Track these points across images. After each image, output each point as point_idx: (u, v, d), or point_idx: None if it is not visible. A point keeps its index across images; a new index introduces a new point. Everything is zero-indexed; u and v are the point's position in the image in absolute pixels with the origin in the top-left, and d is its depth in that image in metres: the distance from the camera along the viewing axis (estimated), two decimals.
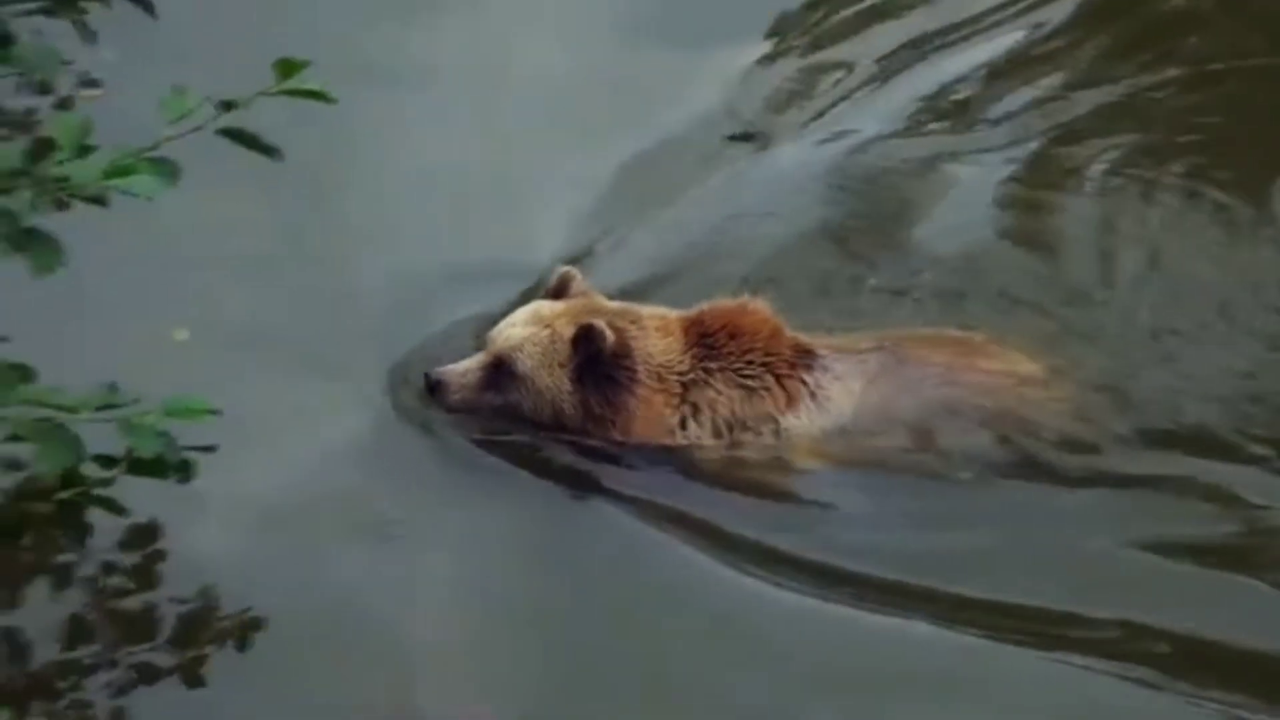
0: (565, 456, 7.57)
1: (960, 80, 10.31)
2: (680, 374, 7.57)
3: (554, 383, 7.47)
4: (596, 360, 7.44)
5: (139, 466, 5.53)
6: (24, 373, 5.31)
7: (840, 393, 7.60)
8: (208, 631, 6.83)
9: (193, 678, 6.67)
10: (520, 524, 7.35)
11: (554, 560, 7.24)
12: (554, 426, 7.56)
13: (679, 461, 7.57)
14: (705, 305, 7.68)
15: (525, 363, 7.46)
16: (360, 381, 7.89)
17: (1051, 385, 7.80)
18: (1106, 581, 7.20)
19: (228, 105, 5.21)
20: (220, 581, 6.93)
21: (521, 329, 7.49)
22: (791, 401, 7.56)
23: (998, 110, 9.97)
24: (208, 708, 6.56)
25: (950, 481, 7.60)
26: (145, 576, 6.97)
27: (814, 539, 7.33)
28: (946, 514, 7.53)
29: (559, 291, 7.65)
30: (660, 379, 7.55)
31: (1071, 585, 7.12)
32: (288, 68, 5.20)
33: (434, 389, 7.36)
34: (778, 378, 7.58)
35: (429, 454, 7.65)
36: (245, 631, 6.78)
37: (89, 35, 6.18)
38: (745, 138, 9.69)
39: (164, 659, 6.71)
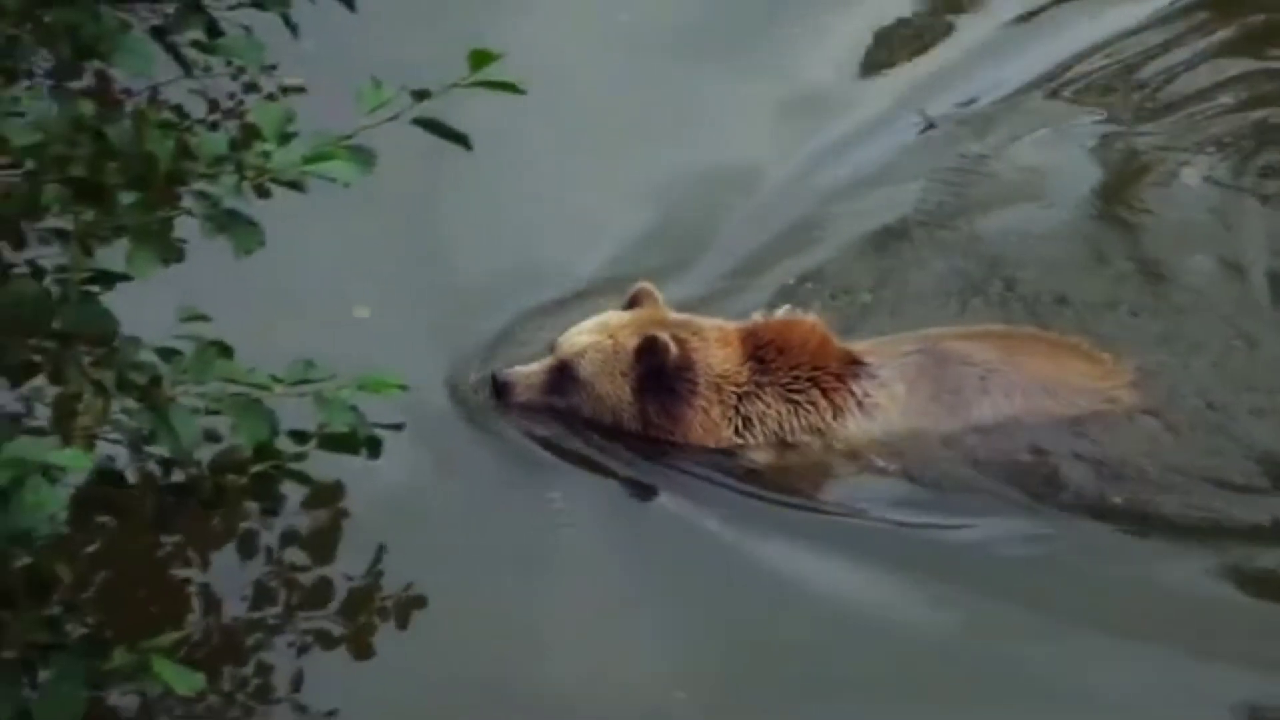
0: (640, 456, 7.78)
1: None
2: (736, 385, 7.74)
3: (614, 390, 7.69)
4: (658, 372, 7.62)
5: (331, 441, 5.69)
6: (223, 350, 5.51)
7: (886, 399, 7.70)
8: (374, 603, 7.06)
9: (363, 647, 6.88)
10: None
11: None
12: (613, 429, 7.75)
13: (735, 466, 7.73)
14: (759, 319, 7.84)
15: (587, 368, 7.69)
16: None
17: (1105, 383, 7.84)
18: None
19: (421, 95, 5.31)
20: (386, 556, 7.18)
21: (586, 336, 7.73)
22: (838, 412, 7.69)
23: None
24: (376, 675, 6.85)
25: (994, 483, 7.69)
26: (321, 547, 7.20)
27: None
28: (988, 512, 7.64)
29: (632, 304, 7.83)
30: (718, 390, 7.73)
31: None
32: (480, 59, 5.30)
33: (500, 390, 7.54)
34: (824, 391, 7.73)
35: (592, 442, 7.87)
36: (408, 608, 6.98)
37: (293, 28, 6.39)
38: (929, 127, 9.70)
39: (336, 627, 6.94)
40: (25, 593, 5.46)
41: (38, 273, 5.58)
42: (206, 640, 6.87)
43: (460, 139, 5.41)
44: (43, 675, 5.40)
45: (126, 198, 5.19)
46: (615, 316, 7.90)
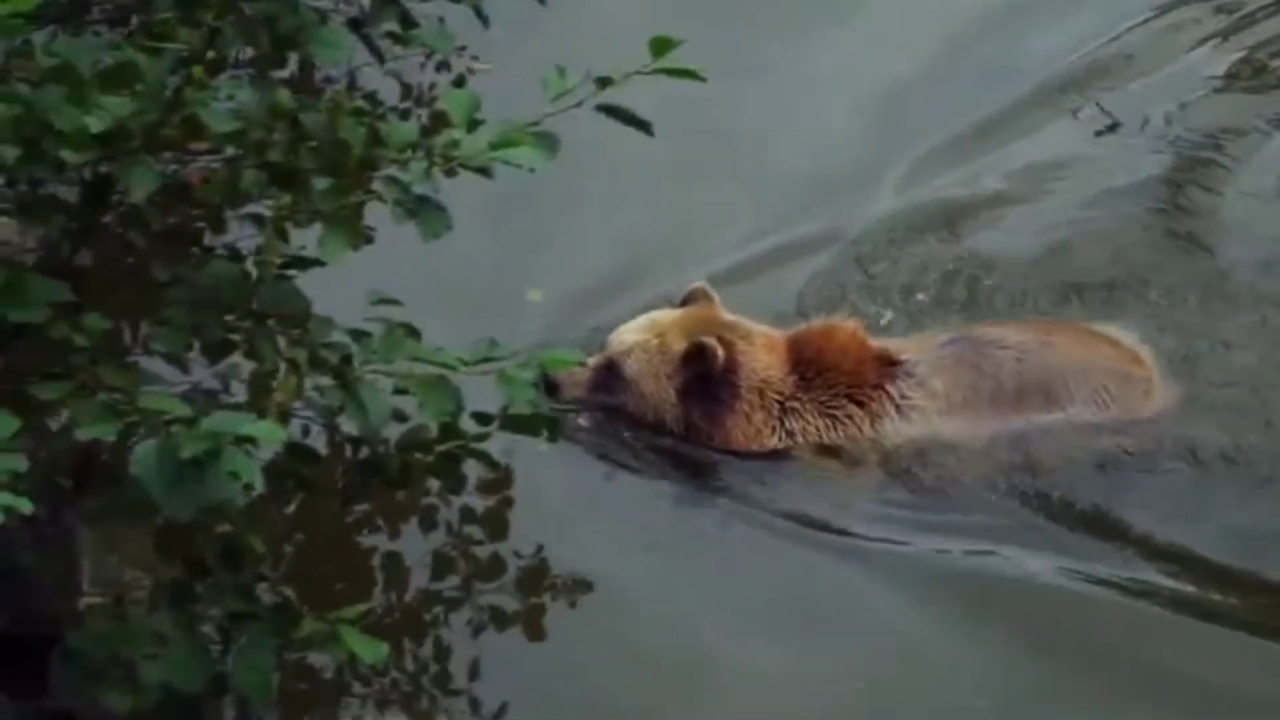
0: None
1: None
2: (780, 394, 7.70)
3: (658, 390, 7.66)
4: (703, 377, 7.59)
5: (513, 422, 5.80)
6: (411, 332, 5.65)
7: (924, 398, 7.66)
8: (546, 583, 7.18)
9: (535, 627, 7.01)
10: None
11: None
12: (656, 429, 7.72)
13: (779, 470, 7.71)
14: (803, 327, 7.80)
15: (632, 367, 7.64)
16: None
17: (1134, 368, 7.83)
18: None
19: (604, 82, 5.39)
20: (556, 539, 7.31)
21: (634, 335, 7.69)
22: (876, 419, 7.65)
23: None
24: (547, 655, 6.97)
25: (1037, 471, 7.64)
26: (499, 526, 7.35)
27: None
28: (1031, 506, 7.57)
29: (686, 303, 7.80)
30: (761, 395, 7.71)
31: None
32: (662, 46, 5.37)
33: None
34: (861, 403, 7.69)
35: None
36: (576, 591, 7.09)
37: (484, 19, 6.54)
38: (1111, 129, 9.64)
39: (511, 604, 7.06)
40: (220, 562, 5.66)
41: (236, 255, 5.78)
42: (390, 613, 7.05)
43: (642, 125, 5.49)
44: (237, 643, 5.55)
45: (320, 183, 5.34)
46: (665, 315, 7.85)
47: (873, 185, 9.30)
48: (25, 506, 4.34)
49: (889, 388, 7.75)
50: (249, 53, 5.64)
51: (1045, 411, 7.70)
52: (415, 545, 7.28)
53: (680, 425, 7.73)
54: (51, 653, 5.79)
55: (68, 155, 4.98)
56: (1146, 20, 10.39)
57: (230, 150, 5.35)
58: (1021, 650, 6.96)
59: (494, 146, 5.31)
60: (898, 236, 8.86)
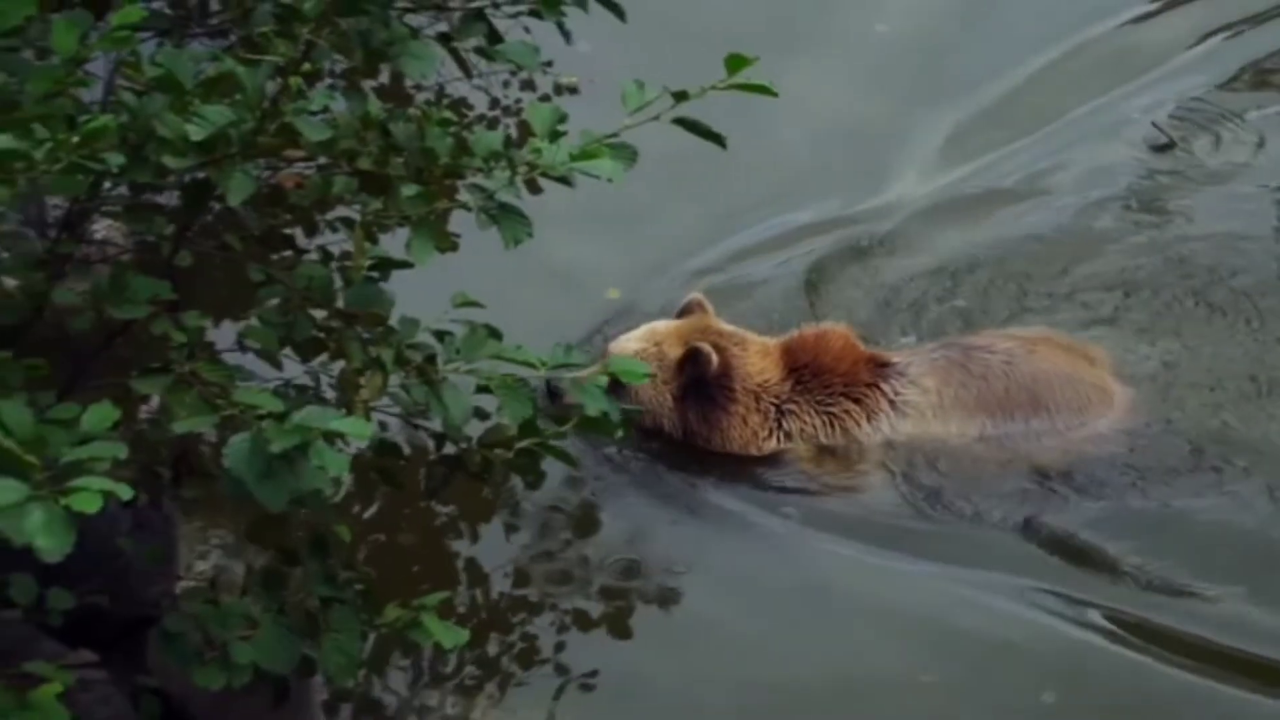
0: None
1: None
2: (776, 398, 7.81)
3: (657, 396, 7.74)
4: (700, 381, 7.69)
5: (587, 423, 5.90)
6: (494, 333, 5.78)
7: (917, 394, 7.75)
8: (632, 588, 7.28)
9: (620, 628, 7.13)
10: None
11: None
12: (655, 434, 7.82)
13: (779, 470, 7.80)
14: (795, 333, 7.89)
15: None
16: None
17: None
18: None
19: (680, 96, 5.48)
20: (644, 542, 7.49)
21: (633, 344, 7.76)
22: (871, 415, 7.73)
23: None
24: (631, 660, 7.08)
25: (1033, 462, 7.76)
26: (582, 521, 7.47)
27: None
28: (1034, 496, 7.70)
29: (683, 314, 7.88)
30: (757, 399, 7.81)
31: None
32: (736, 63, 5.45)
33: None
34: (857, 400, 7.78)
35: None
36: (667, 600, 7.22)
37: (566, 35, 6.65)
38: (1167, 146, 9.64)
39: (595, 607, 7.18)
40: (309, 550, 5.79)
41: (326, 257, 5.93)
42: (471, 602, 7.18)
43: (716, 138, 5.58)
44: (324, 627, 5.67)
45: (408, 190, 5.45)
46: (663, 325, 7.96)
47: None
48: (125, 492, 4.41)
49: (883, 386, 7.91)
50: (342, 64, 5.76)
51: (1031, 414, 7.86)
52: (497, 537, 7.45)
53: (679, 430, 7.86)
54: (149, 633, 5.97)
55: (169, 161, 5.08)
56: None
57: (322, 157, 5.47)
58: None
59: (574, 158, 5.40)
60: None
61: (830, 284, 8.76)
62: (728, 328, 8.00)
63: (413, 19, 6.15)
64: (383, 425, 6.32)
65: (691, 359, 7.76)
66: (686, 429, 7.87)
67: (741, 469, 7.86)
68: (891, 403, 7.89)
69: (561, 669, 6.97)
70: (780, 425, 7.90)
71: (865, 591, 7.37)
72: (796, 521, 7.68)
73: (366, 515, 7.26)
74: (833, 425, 7.89)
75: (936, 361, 7.96)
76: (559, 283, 8.48)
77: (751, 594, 7.38)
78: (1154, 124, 9.69)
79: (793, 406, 7.88)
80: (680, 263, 8.87)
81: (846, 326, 8.08)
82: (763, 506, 7.75)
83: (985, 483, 7.74)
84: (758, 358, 7.92)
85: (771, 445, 7.88)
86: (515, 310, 6.45)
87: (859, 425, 7.87)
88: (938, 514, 7.64)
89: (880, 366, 7.96)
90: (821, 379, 7.91)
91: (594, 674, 6.94)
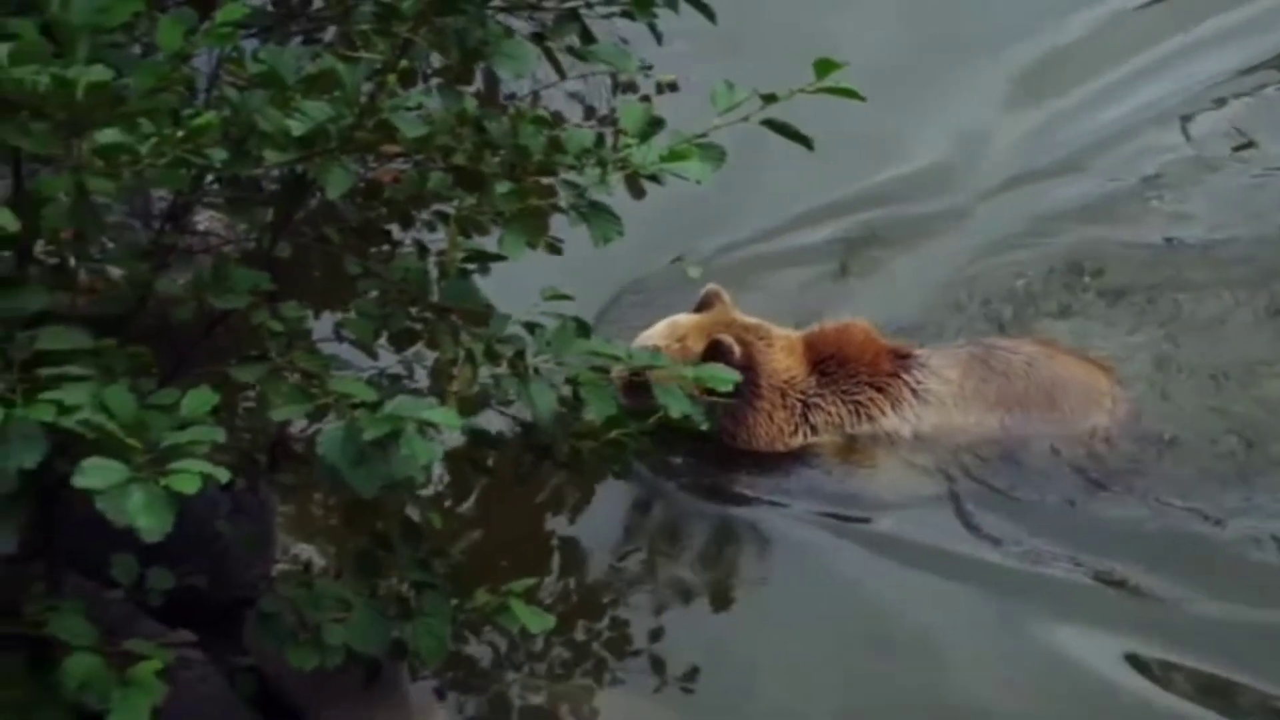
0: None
1: None
2: (802, 393, 7.74)
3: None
4: None
5: (670, 420, 5.94)
6: (581, 327, 5.81)
7: (939, 384, 7.73)
8: (721, 570, 7.33)
9: (721, 598, 7.16)
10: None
11: None
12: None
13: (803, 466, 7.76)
14: (816, 326, 7.83)
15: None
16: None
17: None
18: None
19: (769, 99, 5.46)
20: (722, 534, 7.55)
21: (657, 340, 7.62)
22: (895, 403, 7.68)
23: None
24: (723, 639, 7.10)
25: (1045, 456, 7.74)
26: (668, 514, 7.58)
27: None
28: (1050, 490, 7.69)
29: (702, 307, 7.79)
30: (783, 395, 7.74)
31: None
32: (825, 67, 5.42)
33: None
34: (880, 389, 7.73)
35: None
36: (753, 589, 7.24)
37: (658, 36, 6.66)
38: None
39: (679, 594, 7.25)
40: (401, 536, 5.86)
41: (422, 251, 5.98)
42: (563, 588, 7.22)
43: (804, 140, 5.55)
44: (415, 610, 5.75)
45: (501, 186, 5.47)
46: (685, 319, 7.88)
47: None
48: (222, 475, 4.45)
49: (905, 376, 7.88)
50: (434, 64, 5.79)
51: (1048, 414, 7.83)
52: (584, 525, 7.49)
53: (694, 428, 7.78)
54: (246, 614, 6.04)
55: (270, 155, 5.11)
56: None
57: (419, 153, 5.49)
58: None
59: (664, 158, 5.39)
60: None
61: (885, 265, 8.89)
62: (750, 320, 7.95)
63: (508, 20, 6.14)
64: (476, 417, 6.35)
65: (714, 352, 7.59)
66: (713, 425, 7.77)
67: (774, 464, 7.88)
68: (914, 392, 7.88)
69: (646, 654, 7.00)
70: (806, 419, 7.87)
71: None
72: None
73: (458, 502, 7.30)
74: (858, 414, 7.87)
75: (959, 355, 7.97)
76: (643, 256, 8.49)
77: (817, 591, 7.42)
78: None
79: (818, 400, 7.85)
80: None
81: (866, 321, 8.07)
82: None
83: (1008, 474, 7.77)
84: (783, 354, 7.88)
85: (798, 440, 7.85)
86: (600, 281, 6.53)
87: (884, 414, 7.85)
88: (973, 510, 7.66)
89: (902, 358, 7.95)
90: (846, 368, 7.88)
91: (683, 663, 6.95)
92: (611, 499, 7.58)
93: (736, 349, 7.64)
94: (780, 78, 5.50)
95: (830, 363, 7.89)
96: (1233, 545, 7.43)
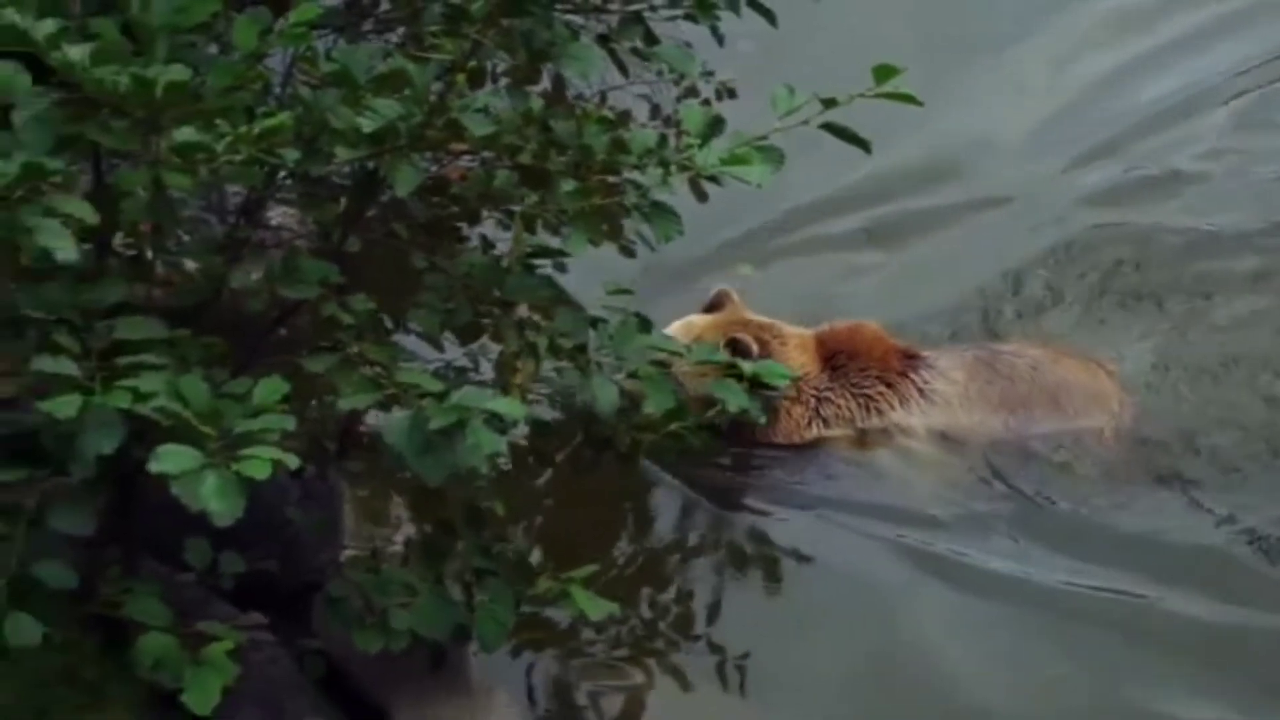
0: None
1: None
2: (815, 388, 7.77)
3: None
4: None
5: (729, 412, 6.02)
6: (644, 323, 5.88)
7: (945, 384, 7.75)
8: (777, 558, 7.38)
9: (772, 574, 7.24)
10: None
11: None
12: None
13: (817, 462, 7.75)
14: (827, 325, 7.85)
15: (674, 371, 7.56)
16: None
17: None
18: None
19: (829, 103, 5.48)
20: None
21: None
22: (904, 400, 7.70)
23: None
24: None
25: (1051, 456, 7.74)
26: (723, 506, 7.66)
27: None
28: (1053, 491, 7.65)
29: (713, 307, 7.81)
30: (798, 390, 7.73)
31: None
32: (884, 73, 5.44)
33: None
34: (889, 385, 7.74)
35: None
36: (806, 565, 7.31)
37: (720, 39, 6.69)
38: None
39: (735, 585, 7.33)
40: (466, 524, 5.93)
41: (487, 247, 6.04)
42: (622, 575, 7.27)
43: (862, 144, 5.56)
44: (478, 596, 5.84)
45: (566, 184, 5.53)
46: (699, 319, 7.91)
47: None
48: (292, 462, 4.52)
49: (913, 375, 7.93)
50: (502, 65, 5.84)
51: (1050, 417, 7.84)
52: (644, 515, 7.54)
53: (723, 422, 7.70)
54: (315, 598, 6.10)
55: (341, 152, 5.18)
56: None
57: (486, 152, 5.57)
58: None
59: (725, 161, 5.43)
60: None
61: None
62: (763, 319, 7.98)
63: (574, 22, 6.18)
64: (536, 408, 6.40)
65: (731, 349, 7.44)
66: (729, 422, 7.75)
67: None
68: (921, 391, 7.92)
69: (703, 641, 7.02)
70: (818, 413, 7.91)
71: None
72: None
73: (521, 491, 7.33)
74: (868, 409, 7.91)
75: (965, 357, 8.02)
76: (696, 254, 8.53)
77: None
78: None
79: (829, 394, 7.89)
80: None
81: (875, 322, 8.10)
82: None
83: (1010, 475, 7.78)
84: (797, 351, 7.90)
85: (811, 434, 7.87)
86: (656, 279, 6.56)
87: (893, 409, 7.89)
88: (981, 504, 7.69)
89: (910, 358, 8.00)
90: (856, 363, 7.93)
91: (735, 650, 6.97)
92: (672, 488, 7.66)
93: (755, 347, 7.66)
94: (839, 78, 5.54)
95: (841, 358, 7.97)
96: (1236, 547, 7.41)
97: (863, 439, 7.91)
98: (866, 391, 7.92)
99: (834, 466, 7.83)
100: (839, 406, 7.90)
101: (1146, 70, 10.18)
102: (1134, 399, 8.05)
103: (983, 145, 9.63)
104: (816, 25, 8.77)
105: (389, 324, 5.64)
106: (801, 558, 7.42)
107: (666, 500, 7.60)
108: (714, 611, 7.16)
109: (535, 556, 6.71)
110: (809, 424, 7.89)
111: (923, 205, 9.28)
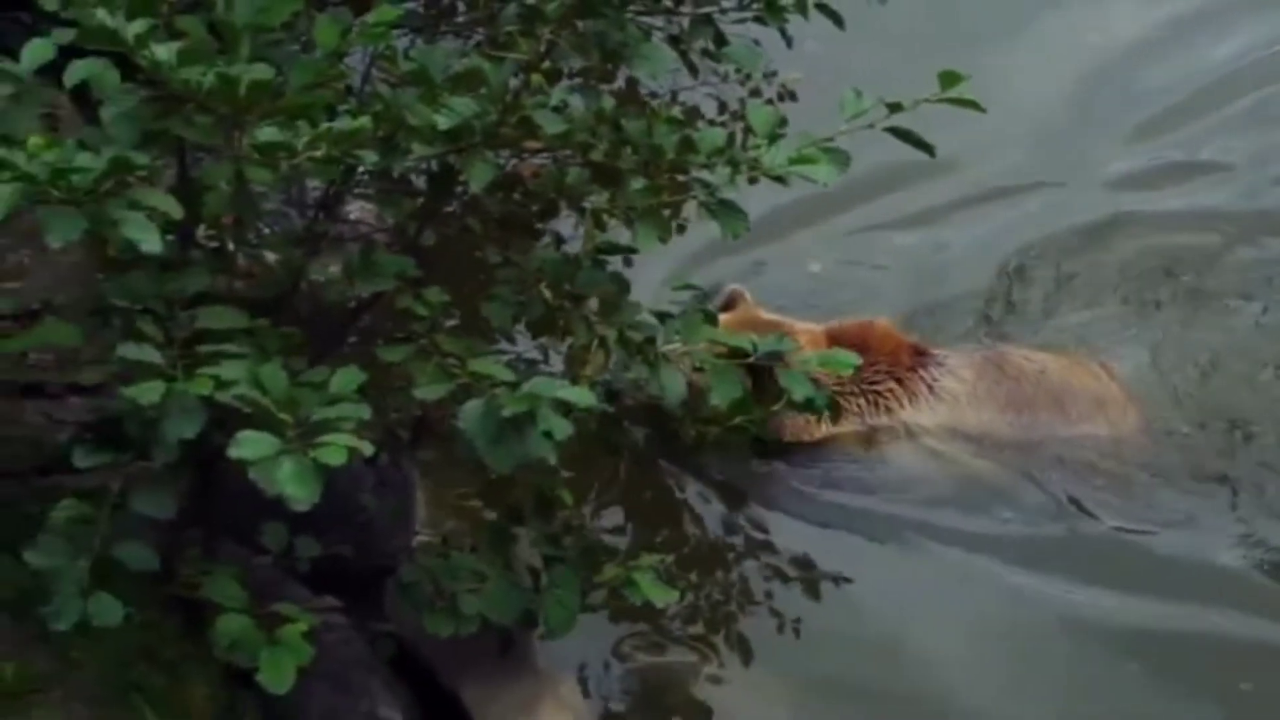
0: None
1: None
2: (825, 385, 7.57)
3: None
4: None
5: (793, 405, 5.97)
6: (709, 317, 5.90)
7: (954, 383, 7.71)
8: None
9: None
10: None
11: None
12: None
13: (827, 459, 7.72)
14: (836, 322, 7.78)
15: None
16: None
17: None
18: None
19: (894, 108, 5.48)
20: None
21: None
22: (913, 397, 7.66)
23: None
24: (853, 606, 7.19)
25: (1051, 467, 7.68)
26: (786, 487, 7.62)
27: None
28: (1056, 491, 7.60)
29: (726, 307, 7.74)
30: None
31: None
32: (949, 79, 5.44)
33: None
34: (899, 381, 7.70)
35: None
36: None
37: (788, 40, 6.69)
38: None
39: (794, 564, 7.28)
40: (533, 512, 5.98)
41: (559, 241, 6.07)
42: (687, 563, 7.30)
43: (926, 148, 5.57)
44: (545, 582, 5.91)
45: (636, 182, 5.55)
46: None
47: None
48: (367, 449, 4.55)
49: (922, 372, 7.88)
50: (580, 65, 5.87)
51: (1055, 419, 7.81)
52: (711, 504, 7.57)
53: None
54: (387, 582, 6.14)
55: (418, 148, 5.23)
56: None
57: (558, 149, 5.58)
58: None
59: (792, 161, 5.43)
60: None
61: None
62: (775, 318, 7.91)
63: (646, 23, 6.20)
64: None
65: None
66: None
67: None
68: (930, 388, 7.88)
69: (762, 627, 7.07)
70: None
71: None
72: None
73: (588, 479, 7.36)
74: (877, 405, 7.88)
75: (974, 357, 8.00)
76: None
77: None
78: None
79: (838, 389, 7.77)
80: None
81: (886, 319, 8.08)
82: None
83: (1011, 475, 7.75)
84: (808, 348, 7.79)
85: (822, 430, 7.81)
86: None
87: (901, 406, 7.86)
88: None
89: (920, 354, 7.97)
90: (867, 357, 7.77)
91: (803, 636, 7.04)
92: (735, 479, 7.67)
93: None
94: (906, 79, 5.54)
95: (852, 349, 7.85)
96: (1245, 554, 7.36)
97: (872, 436, 7.89)
98: (876, 388, 7.90)
99: (842, 463, 7.82)
100: (848, 401, 7.87)
101: (1180, 46, 10.09)
102: (1140, 405, 7.99)
103: (1000, 134, 9.54)
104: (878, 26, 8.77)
105: (461, 317, 5.67)
106: (807, 556, 7.42)
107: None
108: (775, 596, 7.21)
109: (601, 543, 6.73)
110: (818, 421, 7.81)
111: (935, 196, 9.20)
